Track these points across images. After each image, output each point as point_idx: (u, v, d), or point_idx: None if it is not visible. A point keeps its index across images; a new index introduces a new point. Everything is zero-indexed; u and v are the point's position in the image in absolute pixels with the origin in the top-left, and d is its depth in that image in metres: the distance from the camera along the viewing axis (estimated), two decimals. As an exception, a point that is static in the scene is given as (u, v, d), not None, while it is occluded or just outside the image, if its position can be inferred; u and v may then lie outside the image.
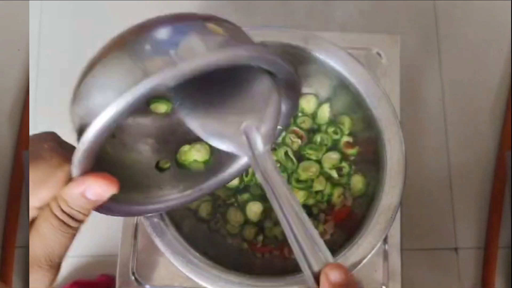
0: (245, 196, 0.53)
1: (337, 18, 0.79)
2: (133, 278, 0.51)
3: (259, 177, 0.25)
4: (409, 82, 0.75)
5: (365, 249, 0.45)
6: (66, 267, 0.70)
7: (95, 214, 0.80)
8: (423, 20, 0.80)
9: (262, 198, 0.52)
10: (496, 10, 0.80)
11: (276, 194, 0.23)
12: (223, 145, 0.27)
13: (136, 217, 0.52)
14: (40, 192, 0.25)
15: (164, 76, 0.20)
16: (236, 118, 0.26)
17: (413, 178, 0.69)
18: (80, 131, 0.24)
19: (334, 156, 0.53)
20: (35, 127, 0.75)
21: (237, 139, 0.25)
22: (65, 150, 0.27)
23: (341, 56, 0.49)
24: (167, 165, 0.33)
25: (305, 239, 0.22)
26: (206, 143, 0.29)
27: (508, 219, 0.72)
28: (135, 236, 0.52)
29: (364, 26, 0.78)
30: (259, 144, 0.25)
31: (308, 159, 0.53)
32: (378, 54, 0.56)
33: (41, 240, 0.25)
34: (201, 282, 0.45)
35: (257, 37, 0.50)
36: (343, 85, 0.51)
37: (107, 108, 0.20)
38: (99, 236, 0.72)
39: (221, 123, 0.26)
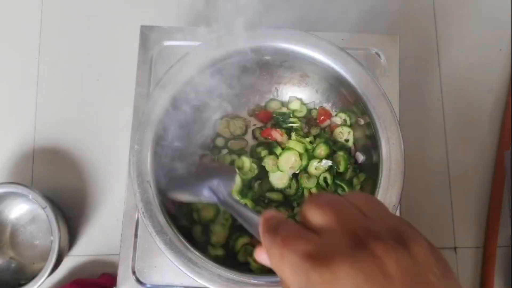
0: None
1: (337, 18, 0.79)
2: (133, 277, 0.51)
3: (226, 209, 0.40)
4: (408, 82, 0.75)
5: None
6: (66, 266, 0.71)
7: (95, 214, 0.80)
8: (423, 20, 0.80)
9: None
10: (496, 10, 0.81)
11: (238, 212, 0.36)
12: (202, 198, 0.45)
13: (136, 217, 0.52)
14: None
15: None
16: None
17: (412, 177, 0.69)
18: None
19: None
20: (35, 127, 0.75)
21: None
22: None
23: (341, 56, 0.50)
24: None
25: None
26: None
27: (507, 218, 0.72)
28: (135, 236, 0.52)
29: (363, 26, 0.78)
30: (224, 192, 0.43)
31: None
32: (378, 54, 0.56)
33: None
34: (201, 281, 0.45)
35: (256, 37, 0.51)
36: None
37: None
38: (100, 235, 0.72)
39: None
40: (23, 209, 0.70)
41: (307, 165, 0.55)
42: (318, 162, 0.55)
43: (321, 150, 0.56)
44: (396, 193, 0.47)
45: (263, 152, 0.56)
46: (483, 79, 0.78)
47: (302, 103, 0.59)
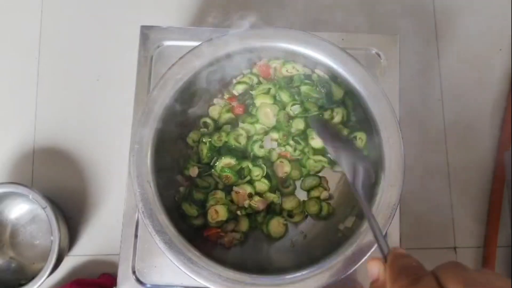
0: None
1: (337, 18, 0.79)
2: (133, 277, 0.51)
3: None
4: (408, 82, 0.76)
5: (364, 248, 0.45)
6: (66, 266, 0.71)
7: (95, 214, 0.80)
8: (423, 20, 0.80)
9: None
10: (496, 10, 0.81)
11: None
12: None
13: (136, 217, 0.52)
14: None
15: None
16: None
17: (412, 178, 0.69)
18: None
19: None
20: (35, 127, 0.75)
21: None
22: None
23: (341, 56, 0.50)
24: None
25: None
26: None
27: (506, 218, 0.72)
28: (135, 236, 0.52)
29: (363, 26, 0.78)
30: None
31: None
32: (378, 54, 0.56)
33: None
34: (201, 281, 0.45)
35: (257, 37, 0.50)
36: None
37: None
38: (100, 235, 0.72)
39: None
40: (23, 209, 0.70)
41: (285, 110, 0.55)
42: (291, 107, 0.54)
43: (284, 95, 0.54)
44: (396, 193, 0.47)
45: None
46: (482, 79, 0.78)
47: (250, 73, 0.57)
